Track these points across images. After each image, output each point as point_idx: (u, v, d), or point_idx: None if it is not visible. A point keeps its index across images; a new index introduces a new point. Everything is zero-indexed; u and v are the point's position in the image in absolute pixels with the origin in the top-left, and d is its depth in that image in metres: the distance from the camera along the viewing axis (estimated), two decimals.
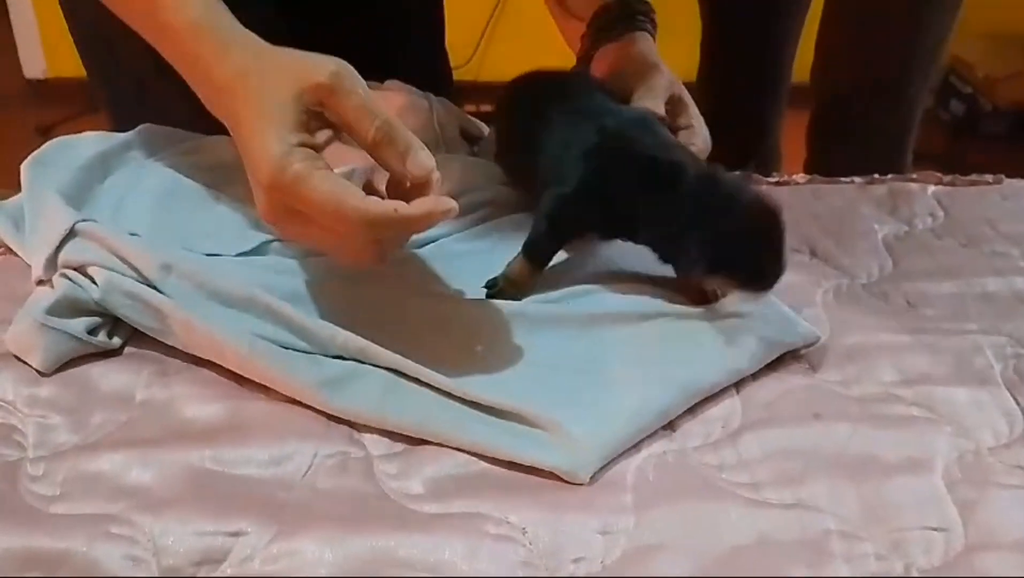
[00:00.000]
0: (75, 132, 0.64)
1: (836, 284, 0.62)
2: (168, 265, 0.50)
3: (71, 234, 0.52)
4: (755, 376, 0.51)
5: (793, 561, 0.39)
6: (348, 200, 0.44)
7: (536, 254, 0.55)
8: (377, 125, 0.46)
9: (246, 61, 0.49)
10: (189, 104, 0.74)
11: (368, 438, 0.46)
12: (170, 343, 0.50)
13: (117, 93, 0.78)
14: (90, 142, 0.62)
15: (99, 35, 0.74)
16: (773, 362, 0.52)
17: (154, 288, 0.50)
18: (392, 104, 0.67)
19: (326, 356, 0.48)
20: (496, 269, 0.55)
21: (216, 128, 0.69)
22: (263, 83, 0.47)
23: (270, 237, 0.55)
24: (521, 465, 0.43)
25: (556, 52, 0.77)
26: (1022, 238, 0.67)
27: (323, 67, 0.47)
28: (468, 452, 0.44)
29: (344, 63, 0.47)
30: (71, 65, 0.84)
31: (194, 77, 0.53)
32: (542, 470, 0.43)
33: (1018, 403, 0.49)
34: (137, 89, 0.74)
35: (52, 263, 0.52)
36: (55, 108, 1.92)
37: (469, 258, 0.57)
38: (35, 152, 0.60)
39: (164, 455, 0.44)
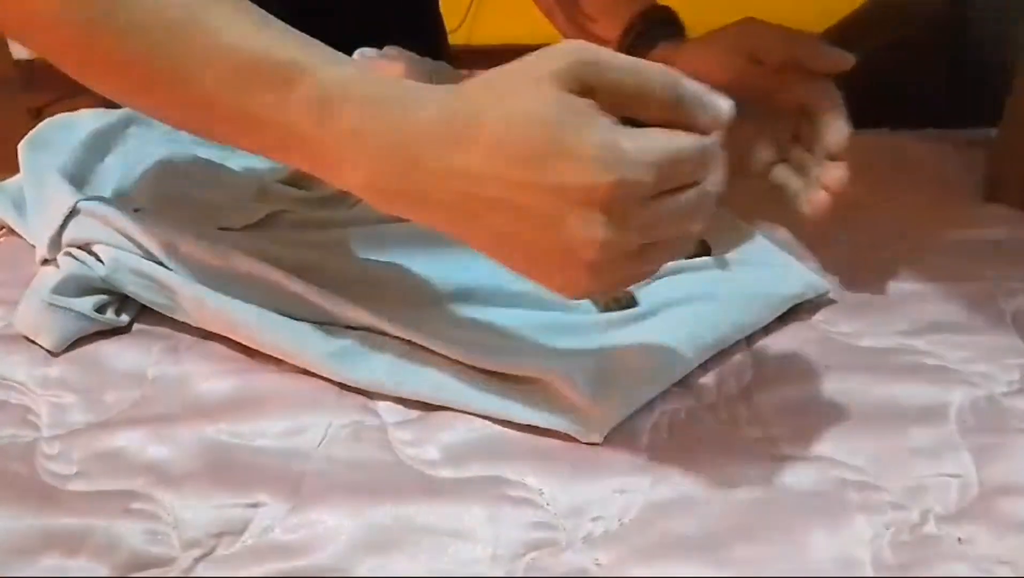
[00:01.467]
0: (67, 112, 0.63)
1: (843, 239, 0.61)
2: (174, 241, 0.49)
3: (74, 213, 0.51)
4: (766, 330, 0.51)
5: (810, 513, 0.39)
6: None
7: None
8: (662, 83, 0.38)
9: (465, 92, 0.38)
10: None
11: (382, 406, 0.46)
12: (180, 319, 0.50)
13: None
14: (88, 120, 0.61)
15: None
16: (783, 316, 0.52)
17: (161, 264, 0.49)
18: (391, 71, 0.66)
19: (337, 326, 0.48)
20: None
21: None
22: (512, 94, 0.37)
23: (277, 209, 0.55)
24: (538, 428, 0.43)
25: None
26: None
27: (560, 51, 0.37)
28: (483, 416, 0.44)
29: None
30: None
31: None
32: (558, 432, 0.43)
33: None
34: None
35: (56, 243, 0.51)
36: (45, 89, 1.90)
37: None
38: (31, 132, 0.59)
39: (179, 430, 0.44)
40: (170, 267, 0.49)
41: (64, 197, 0.52)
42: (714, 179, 0.38)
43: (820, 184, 0.53)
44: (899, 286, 0.56)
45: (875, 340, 0.51)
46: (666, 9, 0.67)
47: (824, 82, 0.55)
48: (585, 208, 0.36)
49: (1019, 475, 0.41)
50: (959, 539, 0.38)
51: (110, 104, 0.66)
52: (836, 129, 0.53)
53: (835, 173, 0.53)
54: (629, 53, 0.54)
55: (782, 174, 0.57)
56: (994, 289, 0.55)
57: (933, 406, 0.45)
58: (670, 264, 0.51)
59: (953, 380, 0.47)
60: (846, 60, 0.54)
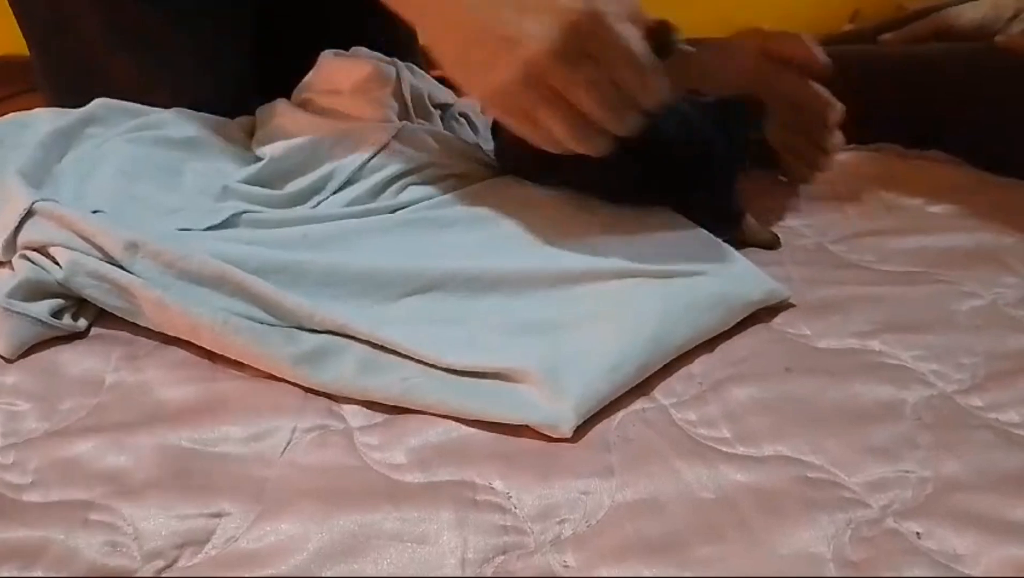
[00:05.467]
0: (16, 112, 0.62)
1: (803, 243, 0.63)
2: (134, 243, 0.48)
3: (30, 214, 0.50)
4: (727, 333, 0.52)
5: (772, 512, 0.40)
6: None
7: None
8: None
9: None
10: (141, 78, 0.72)
11: (347, 410, 0.46)
12: (140, 323, 0.49)
13: (63, 69, 0.75)
14: (44, 119, 0.60)
15: (45, 9, 0.71)
16: (744, 319, 0.53)
17: (120, 267, 0.48)
18: (358, 72, 0.66)
19: (302, 329, 0.48)
20: (480, 240, 0.55)
21: (171, 102, 0.68)
22: None
23: (240, 209, 0.54)
24: (504, 430, 0.44)
25: None
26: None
27: None
28: (450, 419, 0.44)
29: None
30: (8, 42, 0.81)
31: None
32: (525, 434, 0.43)
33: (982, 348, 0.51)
34: (85, 64, 0.72)
35: (11, 244, 0.50)
36: None
37: (453, 227, 0.57)
38: None
39: (139, 438, 0.43)
40: (130, 270, 0.48)
41: (20, 197, 0.51)
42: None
43: (828, 149, 0.66)
44: (856, 289, 0.57)
45: (833, 341, 0.52)
46: (667, 22, 0.71)
47: (813, 82, 0.66)
48: (553, 17, 0.44)
49: (974, 470, 0.42)
50: (918, 534, 0.39)
51: (66, 104, 0.65)
52: (834, 105, 0.65)
53: (838, 137, 0.65)
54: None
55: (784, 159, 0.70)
56: (947, 291, 0.57)
57: (890, 404, 0.46)
58: (635, 265, 0.51)
59: (909, 379, 0.48)
60: (825, 61, 0.65)
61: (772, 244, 0.62)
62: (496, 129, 0.66)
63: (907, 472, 0.42)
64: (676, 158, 0.61)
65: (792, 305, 0.55)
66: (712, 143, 0.61)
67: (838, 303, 0.55)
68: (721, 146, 0.61)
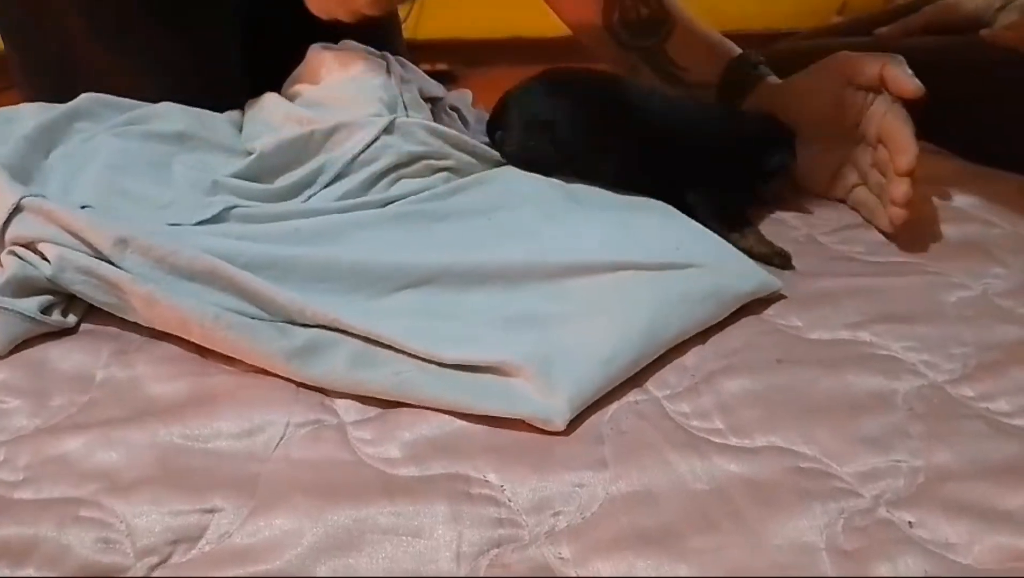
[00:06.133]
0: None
1: (794, 235, 0.63)
2: (124, 238, 0.48)
3: (18, 209, 0.50)
4: (719, 325, 0.52)
5: (765, 502, 0.40)
6: None
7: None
8: None
9: None
10: (125, 75, 0.72)
11: (340, 404, 0.45)
12: (130, 319, 0.49)
13: (42, 64, 0.74)
14: (30, 113, 0.59)
15: (22, 5, 0.70)
16: (736, 311, 0.53)
17: (109, 262, 0.48)
18: (348, 65, 0.66)
19: (294, 324, 0.47)
20: (472, 233, 0.55)
21: (157, 99, 0.67)
22: None
23: (230, 203, 0.54)
24: (497, 423, 0.43)
25: (490, 7, 0.76)
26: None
27: None
28: (444, 413, 0.44)
29: None
30: None
31: None
32: (518, 427, 0.43)
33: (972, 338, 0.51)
34: (67, 62, 0.71)
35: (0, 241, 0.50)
36: None
37: (446, 221, 0.57)
38: None
39: (130, 434, 0.43)
40: (120, 265, 0.48)
41: (7, 193, 0.50)
42: None
43: (889, 199, 0.61)
44: (847, 281, 0.57)
45: (824, 332, 0.52)
46: (752, 52, 0.74)
47: (899, 113, 0.62)
48: None
49: (965, 460, 0.42)
50: (910, 523, 0.39)
51: (52, 98, 0.64)
52: (906, 151, 0.60)
53: (900, 188, 0.60)
54: (732, 94, 0.70)
55: (862, 195, 0.66)
56: (936, 282, 0.57)
57: (882, 395, 0.47)
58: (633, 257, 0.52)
59: (900, 369, 0.49)
60: (918, 88, 0.62)
61: (781, 262, 0.59)
62: (496, 121, 0.67)
63: (899, 462, 0.42)
64: (683, 151, 0.62)
65: (783, 297, 0.55)
66: (720, 141, 0.62)
67: (829, 294, 0.56)
68: (730, 149, 0.62)
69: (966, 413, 0.46)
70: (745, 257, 0.56)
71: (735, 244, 0.58)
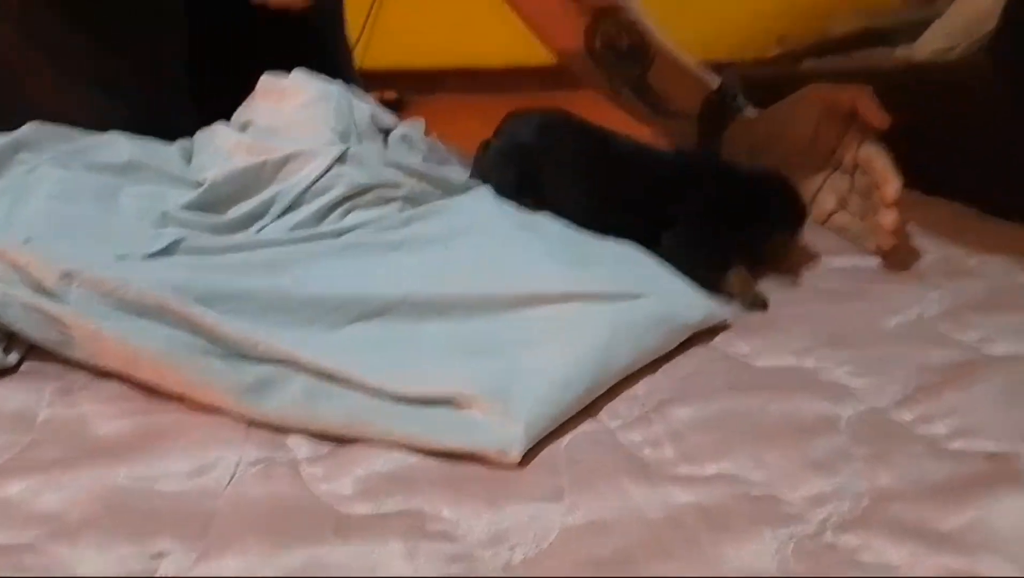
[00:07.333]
0: None
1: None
2: (69, 272, 0.47)
3: None
4: (669, 354, 0.53)
5: (718, 529, 0.40)
6: None
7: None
8: None
9: None
10: (63, 98, 0.71)
11: (292, 441, 0.45)
12: (75, 356, 0.48)
13: None
14: None
15: None
16: (686, 340, 0.54)
17: (53, 298, 0.47)
18: (300, 95, 0.65)
19: (246, 359, 0.47)
20: (426, 264, 0.55)
21: (107, 125, 0.66)
22: None
23: (180, 235, 0.53)
24: (452, 457, 0.43)
25: (438, 36, 0.78)
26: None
27: None
28: (397, 447, 0.44)
29: None
30: None
31: None
32: (473, 460, 0.43)
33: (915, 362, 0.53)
34: (6, 88, 0.70)
35: None
36: None
37: (399, 251, 0.57)
38: None
39: (75, 476, 0.42)
40: (65, 300, 0.47)
41: None
42: None
43: (880, 227, 0.64)
44: (791, 309, 0.59)
45: (771, 359, 0.53)
46: (731, 84, 0.76)
47: (875, 143, 0.65)
48: None
49: (905, 483, 0.44)
50: (855, 547, 0.40)
51: None
52: (891, 182, 0.64)
53: (889, 218, 0.63)
54: (714, 122, 0.73)
55: (843, 219, 0.70)
56: (876, 308, 0.59)
57: (827, 419, 0.48)
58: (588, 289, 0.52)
59: (843, 394, 0.50)
60: (887, 119, 0.65)
61: (755, 304, 0.59)
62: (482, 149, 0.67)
63: (844, 485, 0.43)
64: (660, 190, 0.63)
65: (731, 325, 0.56)
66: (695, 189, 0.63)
67: (775, 322, 0.57)
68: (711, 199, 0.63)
69: (906, 436, 0.47)
70: (693, 288, 0.57)
71: (718, 289, 0.58)
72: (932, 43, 1.14)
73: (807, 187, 0.71)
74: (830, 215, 0.71)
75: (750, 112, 0.74)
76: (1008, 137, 0.75)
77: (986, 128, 0.77)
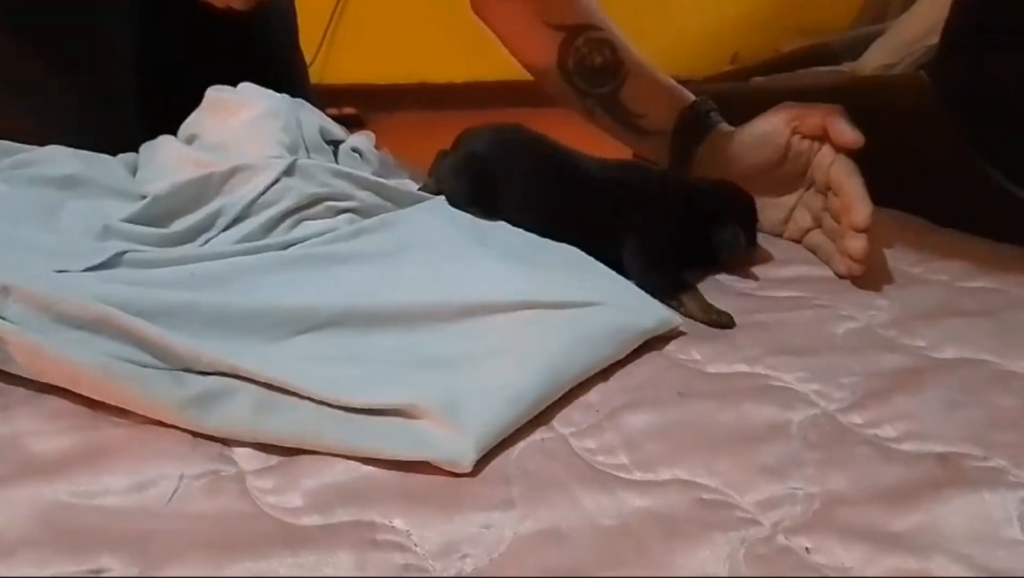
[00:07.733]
0: None
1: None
2: (6, 287, 0.46)
3: None
4: (622, 361, 0.53)
5: (671, 535, 0.40)
6: None
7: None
8: None
9: None
10: (7, 112, 0.69)
11: (239, 453, 0.44)
12: (12, 371, 0.46)
13: None
14: None
15: None
16: (638, 347, 0.54)
17: None
18: (247, 107, 0.65)
19: (190, 372, 0.46)
20: (376, 275, 0.55)
21: (49, 138, 0.65)
22: None
23: (123, 248, 0.52)
24: (404, 467, 0.43)
25: (397, 51, 0.78)
26: None
27: None
28: (349, 458, 0.43)
29: None
30: None
31: None
32: (425, 470, 0.43)
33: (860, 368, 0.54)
34: None
35: None
36: None
37: (348, 263, 0.56)
38: None
39: (12, 494, 0.40)
40: (2, 315, 0.46)
41: None
42: None
43: (847, 252, 0.63)
44: (743, 316, 0.59)
45: (723, 366, 0.54)
46: (705, 100, 0.76)
47: (846, 164, 0.65)
48: None
49: (856, 485, 0.44)
50: (807, 549, 0.40)
51: None
52: (860, 208, 0.63)
53: (856, 244, 0.63)
54: (688, 139, 0.73)
55: (817, 239, 0.70)
56: (826, 315, 0.60)
57: (778, 424, 0.48)
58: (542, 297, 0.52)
59: (794, 400, 0.50)
60: (858, 139, 0.65)
61: (721, 324, 0.58)
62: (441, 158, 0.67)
63: (795, 489, 0.43)
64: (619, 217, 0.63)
65: (683, 332, 0.57)
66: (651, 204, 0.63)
67: (726, 329, 0.57)
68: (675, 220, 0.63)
69: (856, 440, 0.48)
70: (646, 295, 0.57)
71: (677, 311, 0.58)
72: (875, 60, 1.18)
73: (781, 204, 0.71)
74: (806, 232, 0.71)
75: (724, 128, 0.74)
76: (946, 151, 0.77)
77: (926, 141, 0.78)
